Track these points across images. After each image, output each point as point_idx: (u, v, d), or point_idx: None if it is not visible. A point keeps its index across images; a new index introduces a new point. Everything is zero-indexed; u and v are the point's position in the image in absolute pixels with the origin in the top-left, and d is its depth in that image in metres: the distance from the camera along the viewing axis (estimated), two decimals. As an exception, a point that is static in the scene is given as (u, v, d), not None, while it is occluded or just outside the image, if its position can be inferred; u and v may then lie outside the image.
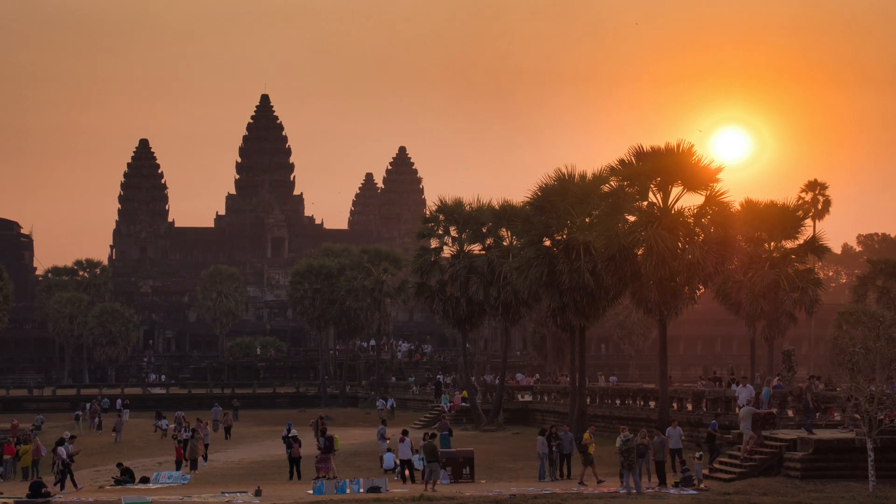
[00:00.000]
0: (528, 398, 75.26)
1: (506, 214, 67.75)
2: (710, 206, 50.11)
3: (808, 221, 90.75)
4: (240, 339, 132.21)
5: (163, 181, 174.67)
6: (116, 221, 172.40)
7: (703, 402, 50.96)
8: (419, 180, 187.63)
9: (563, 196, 55.98)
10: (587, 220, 54.79)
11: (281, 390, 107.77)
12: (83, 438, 65.45)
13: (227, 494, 37.55)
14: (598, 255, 52.02)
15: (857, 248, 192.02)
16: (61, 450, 41.74)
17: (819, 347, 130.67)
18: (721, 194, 50.10)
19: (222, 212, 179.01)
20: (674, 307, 50.98)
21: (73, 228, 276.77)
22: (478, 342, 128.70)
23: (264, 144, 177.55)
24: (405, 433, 43.28)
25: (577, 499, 34.46)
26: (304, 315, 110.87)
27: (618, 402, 59.60)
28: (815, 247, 68.27)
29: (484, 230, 70.02)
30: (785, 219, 66.20)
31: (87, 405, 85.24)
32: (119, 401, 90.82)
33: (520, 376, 75.60)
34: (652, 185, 50.64)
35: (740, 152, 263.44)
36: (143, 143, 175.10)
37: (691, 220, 50.37)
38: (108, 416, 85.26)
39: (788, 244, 67.36)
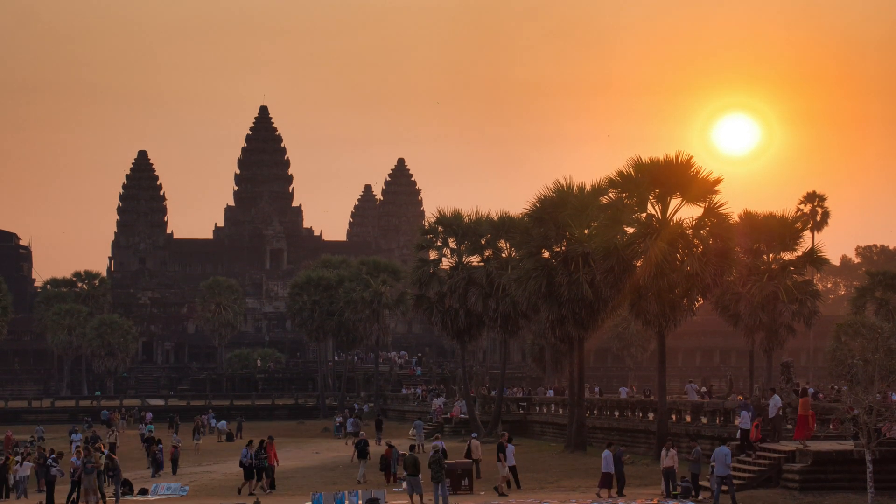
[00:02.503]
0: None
1: (504, 226, 67.79)
2: (709, 218, 50.13)
3: (807, 233, 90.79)
4: (238, 351, 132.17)
5: (162, 193, 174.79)
6: (115, 233, 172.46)
7: (701, 414, 50.92)
8: (418, 192, 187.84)
9: (561, 208, 56.05)
10: (586, 231, 54.86)
11: (280, 402, 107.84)
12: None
13: (225, 506, 37.53)
14: (597, 267, 52.05)
15: (856, 260, 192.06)
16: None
17: (818, 359, 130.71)
18: (720, 206, 50.14)
19: (221, 223, 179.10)
20: (672, 319, 50.97)
21: (72, 240, 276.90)
22: (476, 354, 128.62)
23: (263, 156, 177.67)
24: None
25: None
26: (302, 327, 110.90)
27: (616, 413, 59.54)
28: (813, 258, 68.32)
29: (483, 242, 70.01)
30: (784, 230, 66.25)
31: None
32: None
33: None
34: (651, 197, 50.68)
35: (745, 143, 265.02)
36: (142, 155, 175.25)
37: (690, 232, 50.39)
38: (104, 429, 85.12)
39: (787, 256, 67.40)
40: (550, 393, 77.35)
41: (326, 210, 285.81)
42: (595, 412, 61.58)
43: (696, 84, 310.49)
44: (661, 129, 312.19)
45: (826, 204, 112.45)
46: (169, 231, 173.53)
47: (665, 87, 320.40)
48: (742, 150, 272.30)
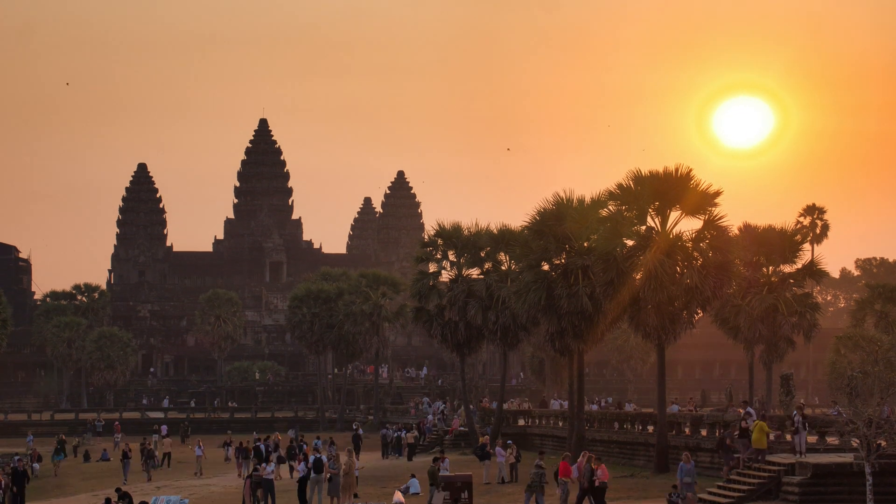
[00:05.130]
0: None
1: (504, 239, 67.83)
2: (709, 231, 50.22)
3: (807, 246, 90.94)
4: (238, 364, 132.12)
5: (161, 205, 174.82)
6: (115, 246, 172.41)
7: (700, 426, 50.89)
8: (418, 204, 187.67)
9: (561, 220, 56.06)
10: (585, 244, 54.90)
11: (279, 414, 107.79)
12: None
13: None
14: (597, 280, 52.09)
15: (856, 273, 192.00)
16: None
17: (817, 372, 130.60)
18: (719, 218, 50.25)
19: (221, 236, 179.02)
20: (672, 331, 50.99)
21: (72, 253, 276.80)
22: (476, 366, 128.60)
23: (263, 169, 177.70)
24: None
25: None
26: (302, 339, 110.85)
27: (616, 426, 59.52)
28: (813, 271, 68.42)
29: (482, 254, 70.06)
30: (783, 243, 66.38)
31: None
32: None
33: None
34: (650, 210, 50.76)
35: (750, 135, 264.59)
36: (142, 168, 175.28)
37: (690, 245, 50.46)
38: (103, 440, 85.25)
39: (787, 268, 67.50)
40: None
41: (326, 220, 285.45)
42: (595, 425, 61.55)
43: (695, 72, 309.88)
44: (662, 126, 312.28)
45: (826, 216, 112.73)
46: (168, 244, 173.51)
47: (667, 85, 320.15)
48: (746, 143, 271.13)
